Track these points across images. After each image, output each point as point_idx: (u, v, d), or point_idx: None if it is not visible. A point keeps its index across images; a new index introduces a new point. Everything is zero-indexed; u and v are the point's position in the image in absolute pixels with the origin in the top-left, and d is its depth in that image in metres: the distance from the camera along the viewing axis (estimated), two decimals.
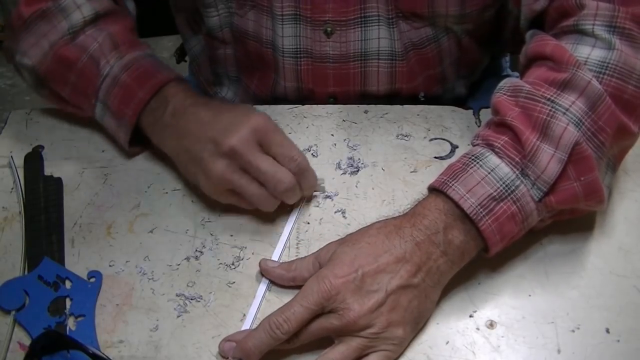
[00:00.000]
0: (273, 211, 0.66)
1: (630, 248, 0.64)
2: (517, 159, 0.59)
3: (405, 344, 0.57)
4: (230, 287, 0.63)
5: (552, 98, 0.60)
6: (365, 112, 0.78)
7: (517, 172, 0.58)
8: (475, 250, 0.59)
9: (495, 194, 0.58)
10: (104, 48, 0.72)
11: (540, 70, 0.63)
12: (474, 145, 0.62)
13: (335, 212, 0.68)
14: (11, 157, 0.74)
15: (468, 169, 0.59)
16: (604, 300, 0.61)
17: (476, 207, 0.57)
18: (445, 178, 0.60)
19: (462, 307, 0.61)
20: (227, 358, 0.57)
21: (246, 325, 0.60)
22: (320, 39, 0.77)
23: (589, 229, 0.66)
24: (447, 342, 0.58)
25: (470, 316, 0.60)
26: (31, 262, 0.64)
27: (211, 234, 0.67)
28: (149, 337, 0.59)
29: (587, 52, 0.61)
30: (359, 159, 0.73)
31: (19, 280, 0.63)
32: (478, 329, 0.59)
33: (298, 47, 0.78)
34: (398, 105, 0.79)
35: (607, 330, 0.59)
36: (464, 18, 0.75)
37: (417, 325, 0.58)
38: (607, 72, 0.60)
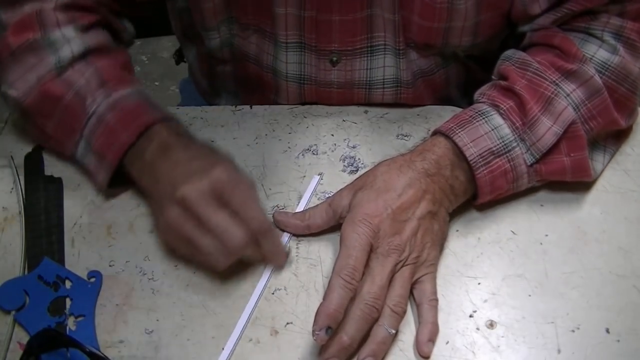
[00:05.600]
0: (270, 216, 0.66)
1: (630, 248, 0.64)
2: (518, 124, 0.65)
3: (437, 264, 0.62)
4: (230, 287, 0.62)
5: (557, 82, 0.66)
6: (365, 112, 0.78)
7: (515, 136, 0.65)
8: (469, 194, 0.66)
9: (494, 149, 0.64)
10: (91, 85, 0.69)
11: (547, 54, 0.68)
12: (478, 102, 0.68)
13: None
14: (11, 157, 0.74)
15: (474, 121, 0.65)
16: (604, 300, 0.61)
17: (476, 156, 0.63)
18: (452, 125, 0.65)
19: (462, 307, 0.61)
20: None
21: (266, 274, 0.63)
22: (325, 68, 0.77)
23: (589, 228, 0.66)
24: (447, 342, 0.58)
25: (470, 316, 0.60)
26: (31, 262, 0.64)
27: None
28: (149, 337, 0.59)
29: (593, 51, 0.67)
30: (359, 159, 0.73)
31: (19, 280, 0.63)
32: (478, 329, 0.59)
33: (302, 73, 0.78)
34: (398, 106, 0.79)
35: (607, 330, 0.59)
36: (474, 47, 0.76)
37: (442, 247, 0.64)
38: (606, 72, 0.67)
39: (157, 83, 2.09)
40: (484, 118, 0.65)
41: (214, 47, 0.80)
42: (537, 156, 0.65)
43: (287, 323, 0.60)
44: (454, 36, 0.73)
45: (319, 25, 0.73)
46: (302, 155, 0.74)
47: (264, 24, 0.75)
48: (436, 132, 0.67)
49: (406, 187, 0.62)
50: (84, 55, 0.70)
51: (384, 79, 0.78)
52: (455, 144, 0.64)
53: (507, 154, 0.64)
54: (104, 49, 0.72)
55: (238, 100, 0.88)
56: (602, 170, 0.70)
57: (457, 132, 0.64)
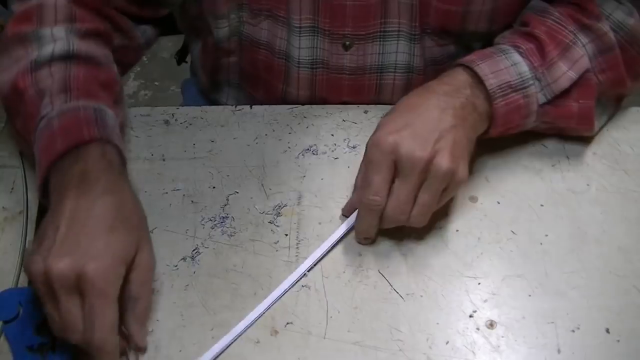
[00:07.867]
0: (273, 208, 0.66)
1: (630, 248, 0.64)
2: (536, 64, 0.67)
3: (467, 177, 0.62)
4: (230, 287, 0.63)
5: (575, 32, 0.69)
6: (365, 112, 0.78)
7: (532, 74, 0.67)
8: (484, 126, 0.67)
9: (513, 83, 0.66)
10: (54, 86, 0.64)
11: (567, 8, 0.70)
12: (499, 44, 0.70)
13: (336, 212, 0.68)
14: (12, 157, 0.74)
15: (495, 56, 0.67)
16: (604, 300, 0.61)
17: (496, 87, 0.65)
18: (473, 57, 0.67)
19: (462, 307, 0.61)
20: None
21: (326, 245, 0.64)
22: (337, 52, 0.77)
23: (589, 228, 0.66)
24: (447, 342, 0.58)
25: (470, 316, 0.60)
26: None
27: (211, 234, 0.67)
28: (149, 337, 0.59)
29: (610, 10, 0.70)
30: (359, 158, 0.73)
31: (17, 292, 0.62)
32: (478, 329, 0.59)
33: (314, 58, 0.78)
34: None
35: (607, 330, 0.59)
36: (488, 35, 0.76)
37: (467, 160, 0.63)
38: (620, 32, 0.69)
39: (157, 83, 2.09)
40: (504, 54, 0.67)
41: (222, 36, 0.80)
42: (549, 97, 0.67)
43: (287, 323, 0.60)
44: (470, 21, 0.74)
45: (333, 9, 0.73)
46: (302, 155, 0.74)
47: (277, 8, 0.75)
48: (457, 65, 0.68)
49: (425, 108, 0.63)
50: (66, 58, 0.67)
51: (395, 64, 0.78)
52: (475, 74, 0.66)
53: (524, 90, 0.66)
54: (91, 59, 0.69)
55: (242, 93, 0.88)
56: (600, 129, 0.73)
57: (478, 63, 0.66)
